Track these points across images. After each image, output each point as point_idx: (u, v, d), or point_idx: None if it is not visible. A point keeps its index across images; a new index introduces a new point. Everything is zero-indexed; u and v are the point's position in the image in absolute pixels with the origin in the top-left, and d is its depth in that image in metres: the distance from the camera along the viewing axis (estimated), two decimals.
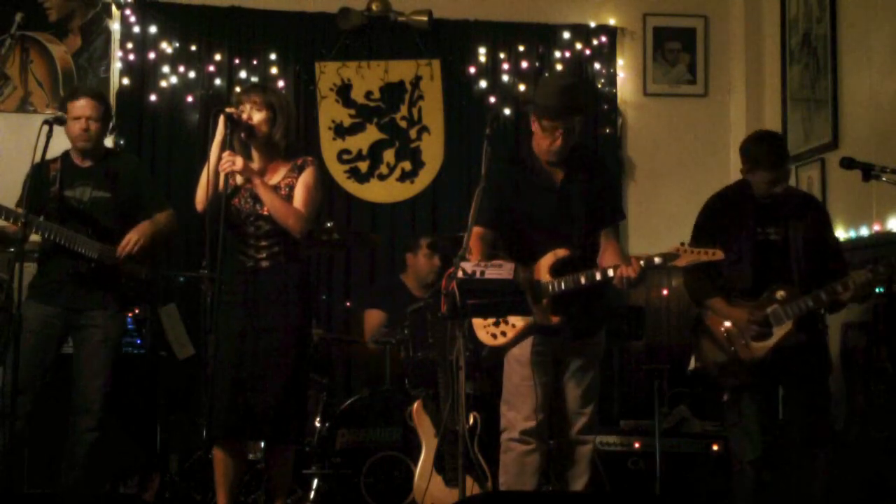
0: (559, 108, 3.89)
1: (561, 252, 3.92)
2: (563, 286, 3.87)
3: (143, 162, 4.88)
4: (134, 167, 4.82)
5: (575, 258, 3.92)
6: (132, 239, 4.50)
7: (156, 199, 4.76)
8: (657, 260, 3.77)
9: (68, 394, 4.54)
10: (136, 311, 5.37)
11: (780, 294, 4.20)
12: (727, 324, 4.28)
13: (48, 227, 4.41)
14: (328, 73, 6.54)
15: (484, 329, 4.01)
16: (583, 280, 3.84)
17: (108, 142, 6.24)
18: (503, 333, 3.97)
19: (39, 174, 4.49)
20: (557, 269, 3.91)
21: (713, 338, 4.34)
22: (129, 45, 6.33)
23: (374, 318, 5.82)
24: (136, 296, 4.67)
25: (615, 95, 6.71)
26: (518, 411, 3.99)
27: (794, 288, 4.20)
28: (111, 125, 6.21)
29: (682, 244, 3.79)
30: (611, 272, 3.80)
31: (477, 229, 3.93)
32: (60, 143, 4.57)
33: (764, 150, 4.27)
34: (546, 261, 3.93)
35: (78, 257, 4.46)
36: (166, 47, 6.36)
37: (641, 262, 3.76)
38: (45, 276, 4.57)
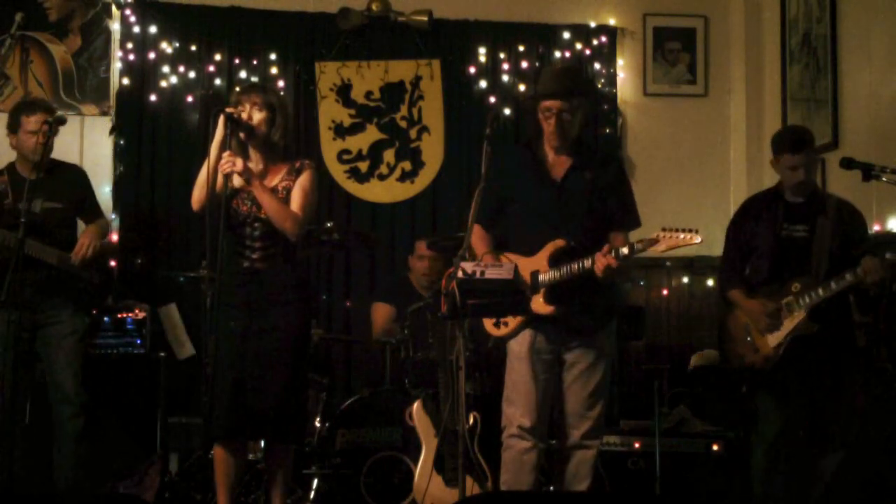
0: (553, 89, 3.96)
1: (560, 243, 3.93)
2: (557, 276, 3.88)
3: (85, 171, 5.08)
4: (80, 177, 4.94)
5: (576, 252, 3.91)
6: (85, 243, 4.64)
7: (95, 207, 4.95)
8: (638, 245, 3.77)
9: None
10: (137, 312, 5.43)
11: (795, 286, 4.25)
12: (744, 316, 4.36)
13: (7, 238, 4.41)
14: (328, 73, 6.53)
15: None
16: (574, 268, 3.85)
17: (108, 142, 6.30)
18: (505, 324, 4.02)
19: None
20: (556, 261, 3.92)
21: (734, 331, 4.44)
22: (129, 45, 6.32)
23: (382, 312, 5.80)
24: (94, 297, 4.78)
25: (615, 95, 6.70)
26: (516, 408, 4.01)
27: (812, 281, 4.23)
28: (111, 126, 6.29)
29: (663, 229, 3.79)
30: (588, 262, 3.82)
31: (478, 228, 3.95)
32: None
33: (785, 135, 4.47)
34: (545, 251, 3.94)
35: (38, 265, 4.53)
36: (166, 47, 6.35)
37: (624, 250, 3.76)
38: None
